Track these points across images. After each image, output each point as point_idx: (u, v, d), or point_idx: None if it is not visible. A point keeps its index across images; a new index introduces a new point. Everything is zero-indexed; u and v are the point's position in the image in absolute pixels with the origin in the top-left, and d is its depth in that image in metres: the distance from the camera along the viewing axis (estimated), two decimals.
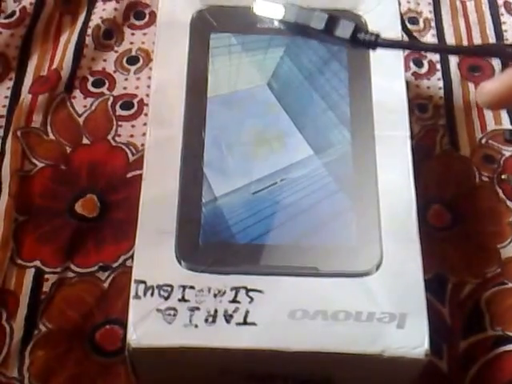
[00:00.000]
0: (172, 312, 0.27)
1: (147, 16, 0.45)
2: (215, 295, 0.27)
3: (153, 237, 0.28)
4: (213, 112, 0.31)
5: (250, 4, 0.33)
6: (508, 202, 0.39)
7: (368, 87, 0.32)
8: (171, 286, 0.27)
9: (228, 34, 0.33)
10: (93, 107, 0.41)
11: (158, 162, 0.30)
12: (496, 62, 0.44)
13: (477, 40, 0.45)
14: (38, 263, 0.36)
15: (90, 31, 0.43)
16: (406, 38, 0.43)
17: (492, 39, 0.45)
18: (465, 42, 0.45)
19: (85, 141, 0.40)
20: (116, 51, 0.43)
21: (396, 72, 0.33)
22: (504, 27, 0.45)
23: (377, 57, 0.33)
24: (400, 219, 0.29)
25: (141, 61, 0.43)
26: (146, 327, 0.26)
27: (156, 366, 0.28)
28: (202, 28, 0.33)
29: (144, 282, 0.27)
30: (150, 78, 0.41)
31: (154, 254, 0.28)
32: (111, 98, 0.41)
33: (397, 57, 0.33)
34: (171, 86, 0.31)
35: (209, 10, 0.33)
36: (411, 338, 0.26)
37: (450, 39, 0.45)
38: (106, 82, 0.42)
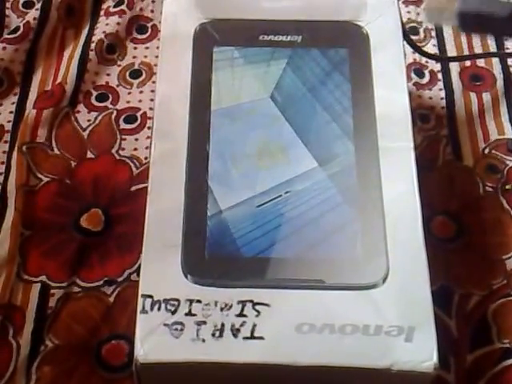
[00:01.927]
0: (179, 326, 0.27)
1: (149, 30, 0.45)
2: (222, 309, 0.27)
3: (159, 251, 0.28)
4: (217, 125, 0.31)
5: (252, 16, 0.34)
6: None
7: (371, 98, 0.32)
8: (178, 300, 0.27)
9: (231, 48, 0.33)
10: (97, 121, 0.41)
11: (162, 175, 0.30)
12: (497, 71, 0.44)
13: (477, 49, 0.45)
14: (43, 278, 0.36)
15: (93, 46, 0.44)
16: (408, 49, 0.44)
17: (493, 48, 0.45)
18: (466, 52, 0.45)
19: (89, 155, 0.40)
20: (119, 65, 0.43)
21: (398, 83, 0.33)
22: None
23: (379, 68, 0.33)
24: (406, 231, 0.29)
25: (143, 74, 0.43)
26: (154, 342, 0.26)
27: (163, 381, 0.28)
28: (205, 41, 0.33)
29: (151, 297, 0.27)
30: (152, 91, 0.42)
31: (160, 269, 0.28)
32: (115, 112, 0.41)
33: (399, 67, 0.33)
34: (175, 99, 0.31)
35: (211, 23, 0.33)
36: (419, 352, 0.26)
37: (451, 49, 0.45)
38: (110, 95, 0.42)
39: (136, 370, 0.27)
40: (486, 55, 0.44)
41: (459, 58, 0.44)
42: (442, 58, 0.44)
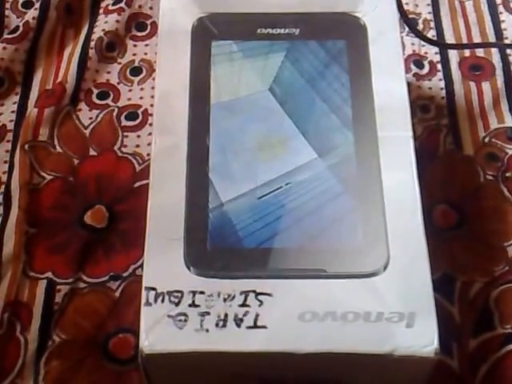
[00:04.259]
0: (183, 317, 0.27)
1: (149, 27, 0.45)
2: (225, 300, 0.27)
3: (161, 244, 0.28)
4: (216, 119, 0.31)
5: (250, 10, 0.34)
6: None
7: (369, 89, 0.32)
8: (181, 292, 0.28)
9: (229, 42, 0.33)
10: (98, 119, 0.41)
11: (163, 170, 0.30)
12: (496, 61, 0.44)
13: (477, 39, 0.45)
14: (49, 275, 0.36)
15: (93, 44, 0.44)
16: (407, 40, 0.44)
17: (492, 38, 0.45)
18: (465, 42, 0.45)
19: (91, 152, 0.40)
20: (119, 63, 0.44)
21: (397, 72, 0.33)
22: (503, 26, 0.46)
23: (377, 58, 0.33)
24: (405, 219, 0.29)
25: (144, 71, 0.43)
26: (158, 333, 0.27)
27: (169, 371, 0.28)
28: (203, 36, 0.33)
29: (154, 289, 0.28)
30: (153, 88, 0.42)
31: (163, 262, 0.28)
32: (116, 110, 0.42)
33: (397, 57, 0.33)
34: (174, 94, 0.32)
35: (209, 17, 0.34)
36: (421, 337, 0.26)
37: (450, 40, 0.45)
38: (111, 93, 0.42)
39: (141, 362, 0.27)
40: (486, 45, 0.44)
41: (459, 46, 0.45)
42: (441, 44, 0.44)
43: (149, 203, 0.29)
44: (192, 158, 0.30)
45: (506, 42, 0.45)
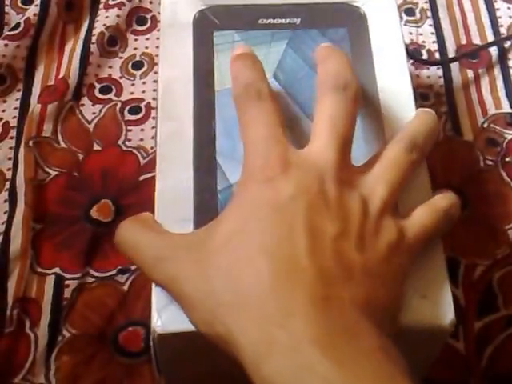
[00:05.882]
0: None
1: (149, 21, 0.45)
2: None
3: (171, 226, 0.28)
4: (222, 104, 0.31)
5: (250, 1, 0.34)
6: None
7: (372, 75, 0.32)
8: None
9: (231, 31, 0.33)
10: (101, 113, 0.42)
11: (170, 154, 0.30)
12: (493, 48, 0.45)
13: (472, 27, 0.46)
14: (57, 270, 0.36)
15: (94, 39, 0.44)
16: (406, 29, 0.44)
17: (487, 26, 0.46)
18: (461, 31, 0.45)
19: (96, 147, 0.40)
20: (121, 57, 0.44)
21: (398, 59, 0.33)
22: (498, 13, 0.46)
23: (378, 46, 0.33)
24: (414, 202, 0.29)
25: (145, 65, 0.44)
26: (171, 313, 0.26)
27: (181, 351, 0.28)
28: (205, 27, 0.33)
29: None
30: (155, 81, 0.42)
31: None
32: (119, 104, 0.42)
33: (398, 45, 0.34)
34: (179, 83, 0.31)
35: (211, 9, 0.34)
36: (436, 308, 0.26)
37: (447, 28, 0.46)
38: (113, 87, 0.43)
39: (154, 342, 0.27)
40: (486, 46, 0.45)
41: (460, 57, 0.44)
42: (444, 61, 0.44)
43: (156, 186, 0.29)
44: (199, 142, 0.30)
45: (501, 29, 0.45)
